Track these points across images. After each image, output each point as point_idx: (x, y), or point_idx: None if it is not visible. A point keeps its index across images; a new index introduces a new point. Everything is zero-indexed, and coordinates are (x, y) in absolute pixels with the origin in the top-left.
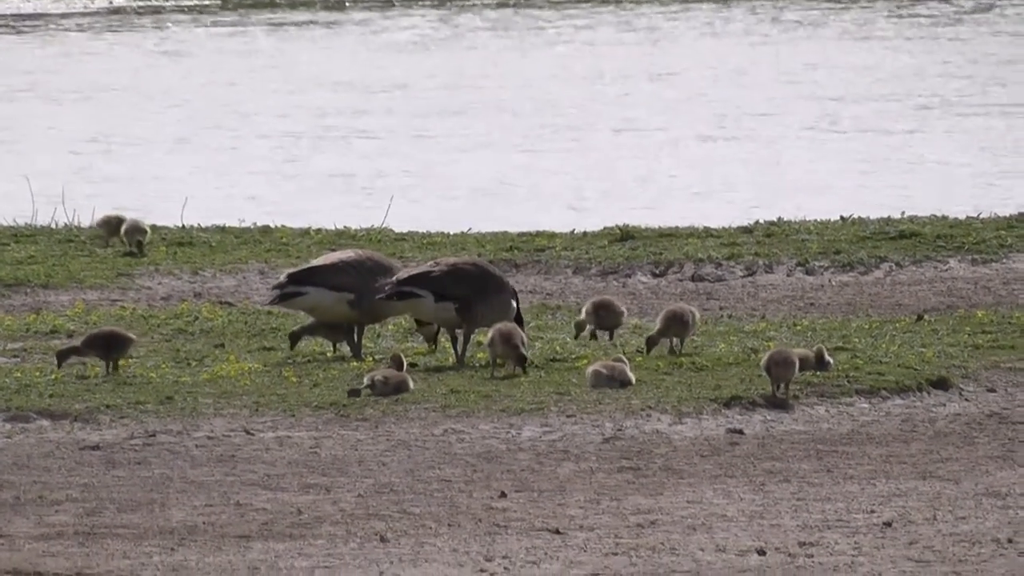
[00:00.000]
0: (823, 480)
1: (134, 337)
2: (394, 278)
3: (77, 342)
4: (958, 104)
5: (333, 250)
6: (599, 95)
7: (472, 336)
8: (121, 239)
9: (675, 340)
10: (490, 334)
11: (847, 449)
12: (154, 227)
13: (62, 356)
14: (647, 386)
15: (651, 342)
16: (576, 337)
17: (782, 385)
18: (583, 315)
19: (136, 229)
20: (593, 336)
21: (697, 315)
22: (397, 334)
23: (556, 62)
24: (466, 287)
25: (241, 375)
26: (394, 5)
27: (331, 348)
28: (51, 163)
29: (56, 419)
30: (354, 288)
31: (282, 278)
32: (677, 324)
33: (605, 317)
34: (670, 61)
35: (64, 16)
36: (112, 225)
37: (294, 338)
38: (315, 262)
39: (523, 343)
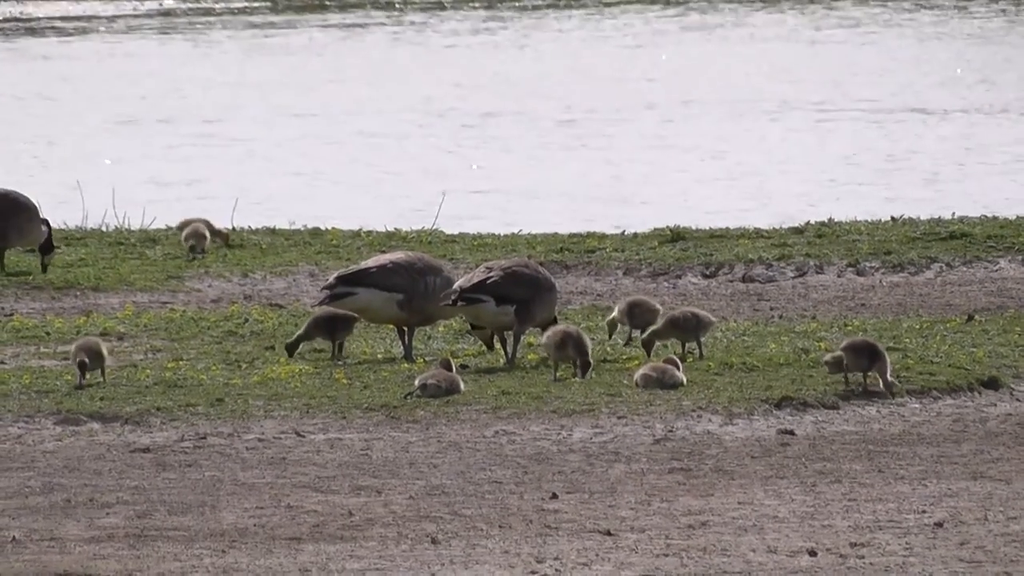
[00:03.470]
0: (874, 480)
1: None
2: (456, 285)
3: (83, 357)
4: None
5: (383, 252)
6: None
7: (522, 337)
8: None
9: (685, 343)
10: (557, 337)
11: (898, 449)
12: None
13: (83, 367)
14: (698, 387)
15: (647, 344)
16: (610, 336)
17: (861, 376)
18: (616, 314)
19: (195, 234)
20: (629, 338)
21: (702, 316)
22: (447, 336)
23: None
24: (524, 289)
25: (291, 377)
26: (445, 7)
27: (332, 350)
28: (99, 165)
29: (107, 422)
30: (404, 289)
31: (331, 279)
32: (675, 329)
33: (639, 316)
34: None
35: (113, 18)
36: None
37: (290, 348)
38: (365, 263)
39: (590, 350)
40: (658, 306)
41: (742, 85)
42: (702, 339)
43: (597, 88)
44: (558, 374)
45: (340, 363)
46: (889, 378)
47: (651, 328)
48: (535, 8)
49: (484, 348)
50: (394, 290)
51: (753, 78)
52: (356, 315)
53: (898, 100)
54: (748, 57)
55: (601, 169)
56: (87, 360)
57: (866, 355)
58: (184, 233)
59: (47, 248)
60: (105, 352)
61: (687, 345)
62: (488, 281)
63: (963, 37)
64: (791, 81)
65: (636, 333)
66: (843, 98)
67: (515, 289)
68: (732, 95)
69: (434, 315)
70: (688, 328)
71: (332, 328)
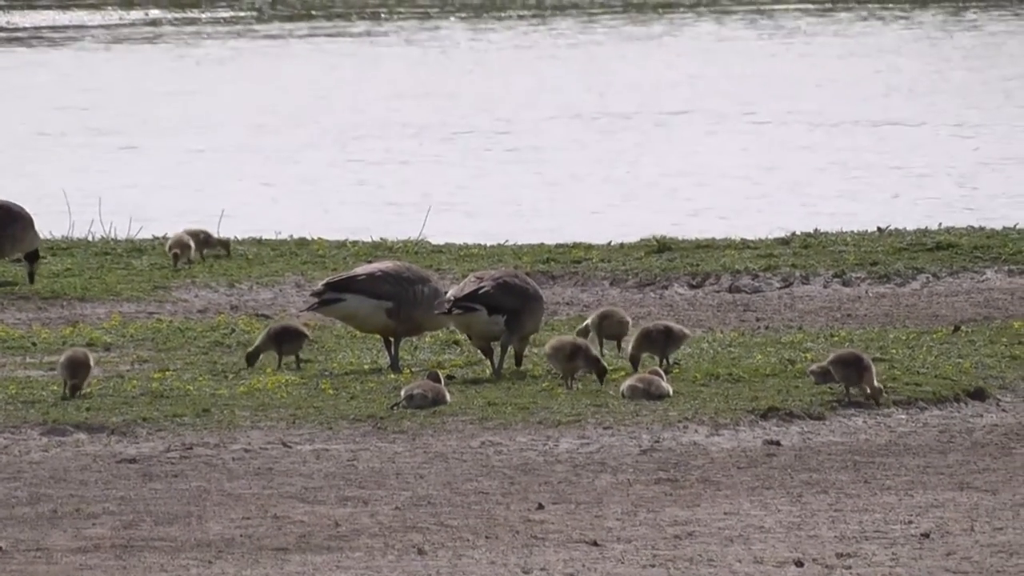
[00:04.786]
0: (860, 491)
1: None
2: (448, 294)
3: (80, 379)
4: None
5: (370, 262)
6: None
7: (508, 347)
8: (201, 253)
9: (662, 357)
10: (566, 349)
11: (884, 460)
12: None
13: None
14: (684, 397)
15: (633, 360)
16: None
17: (851, 389)
18: (588, 324)
19: (179, 244)
20: (600, 347)
21: (675, 328)
22: (434, 346)
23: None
24: (515, 300)
25: (278, 388)
26: (431, 16)
27: (279, 361)
28: (82, 175)
29: (93, 432)
30: (393, 297)
31: (320, 286)
32: (647, 343)
33: (608, 327)
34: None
35: (100, 27)
36: (197, 240)
37: (250, 358)
38: (354, 270)
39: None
40: (627, 318)
41: (688, 96)
42: (680, 349)
43: (547, 99)
44: (544, 384)
45: (328, 374)
46: (876, 384)
47: (631, 344)
48: (520, 18)
49: (470, 359)
50: (383, 298)
51: (687, 88)
52: (307, 331)
53: (847, 111)
54: (692, 66)
55: (545, 182)
56: (78, 380)
57: (854, 368)
58: (168, 243)
59: (33, 257)
60: (91, 363)
61: (671, 357)
62: (480, 291)
63: (906, 47)
64: (731, 91)
65: (629, 344)
66: (786, 109)
67: (506, 299)
68: (680, 106)
69: (422, 325)
70: (659, 342)
71: (280, 341)
